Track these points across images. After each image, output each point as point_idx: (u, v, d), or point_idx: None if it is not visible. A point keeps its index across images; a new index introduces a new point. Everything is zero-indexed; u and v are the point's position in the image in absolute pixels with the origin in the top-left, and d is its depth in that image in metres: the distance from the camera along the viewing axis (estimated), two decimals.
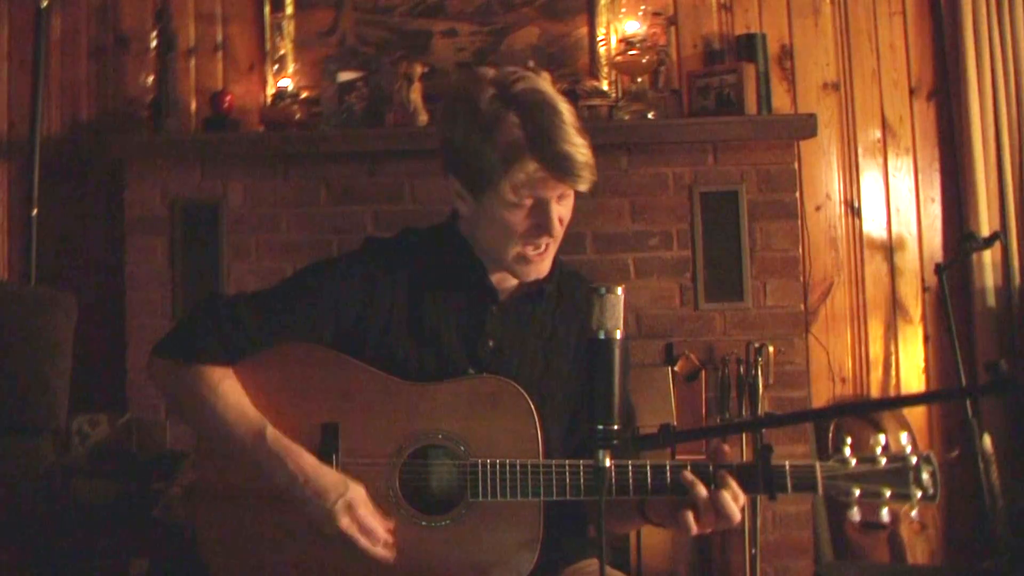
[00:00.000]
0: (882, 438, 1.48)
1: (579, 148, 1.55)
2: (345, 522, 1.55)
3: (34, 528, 2.59)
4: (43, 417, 2.69)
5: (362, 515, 1.56)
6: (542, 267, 1.66)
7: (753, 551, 3.03)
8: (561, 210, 1.61)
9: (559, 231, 1.62)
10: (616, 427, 1.32)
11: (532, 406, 1.59)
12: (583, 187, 1.59)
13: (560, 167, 1.55)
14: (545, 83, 1.62)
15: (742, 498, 1.50)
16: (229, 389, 1.62)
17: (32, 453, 2.68)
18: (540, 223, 1.59)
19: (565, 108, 1.58)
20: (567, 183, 1.57)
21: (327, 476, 1.57)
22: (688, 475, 1.51)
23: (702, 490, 1.49)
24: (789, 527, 3.14)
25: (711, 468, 1.50)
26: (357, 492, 1.57)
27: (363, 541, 1.55)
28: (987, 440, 3.02)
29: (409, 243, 1.75)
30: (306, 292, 1.66)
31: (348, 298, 1.65)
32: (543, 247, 1.63)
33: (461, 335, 1.67)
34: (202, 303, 1.69)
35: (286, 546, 1.61)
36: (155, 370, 1.68)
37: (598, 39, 3.40)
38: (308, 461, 1.58)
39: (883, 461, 1.47)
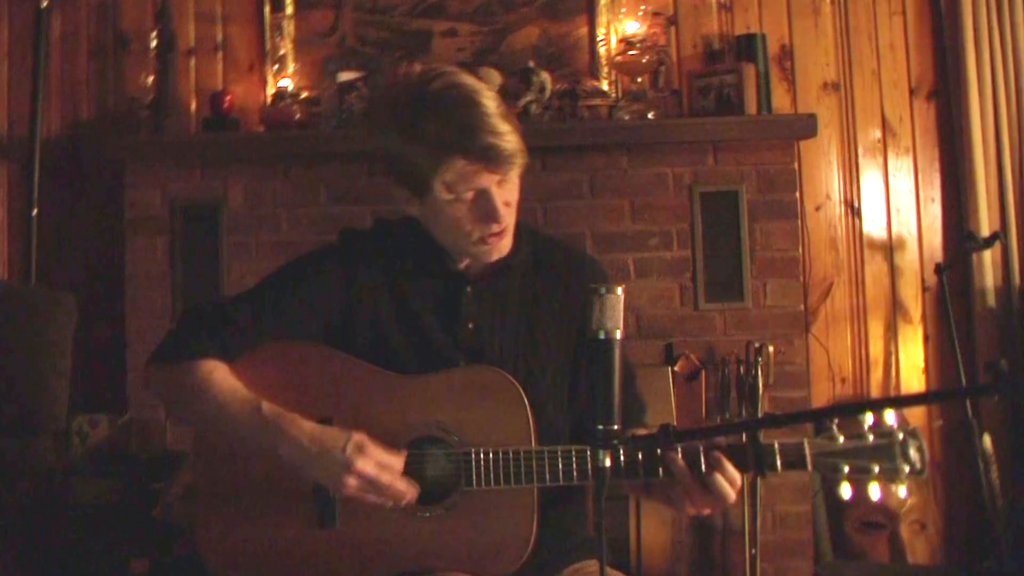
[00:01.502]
0: (869, 416, 1.51)
1: (503, 136, 1.55)
2: (361, 462, 1.53)
3: (34, 528, 2.59)
4: (43, 417, 2.69)
5: (374, 452, 1.55)
6: (503, 246, 1.67)
7: (753, 551, 3.03)
8: (505, 194, 1.62)
9: (507, 215, 1.63)
10: (616, 427, 1.32)
11: (523, 395, 1.60)
12: (516, 172, 1.60)
13: (487, 158, 1.56)
14: (464, 77, 1.61)
15: (737, 477, 1.51)
16: (221, 377, 1.63)
17: (32, 453, 2.68)
18: (485, 212, 1.60)
19: (486, 97, 1.58)
20: (499, 172, 1.58)
21: (328, 431, 1.57)
22: (679, 462, 1.51)
23: (682, 464, 1.50)
24: (789, 527, 3.14)
25: (702, 449, 1.51)
26: (361, 435, 1.56)
27: (384, 477, 1.54)
28: (987, 440, 3.02)
29: (385, 234, 1.77)
30: (290, 287, 1.68)
31: (332, 290, 1.68)
32: (496, 231, 1.64)
33: (441, 321, 1.69)
34: (188, 310, 1.71)
35: (283, 538, 1.62)
36: (151, 378, 1.70)
37: (598, 39, 3.40)
38: (306, 423, 1.58)
39: (870, 437, 1.50)
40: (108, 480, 2.82)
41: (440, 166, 1.57)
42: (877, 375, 3.42)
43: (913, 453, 1.48)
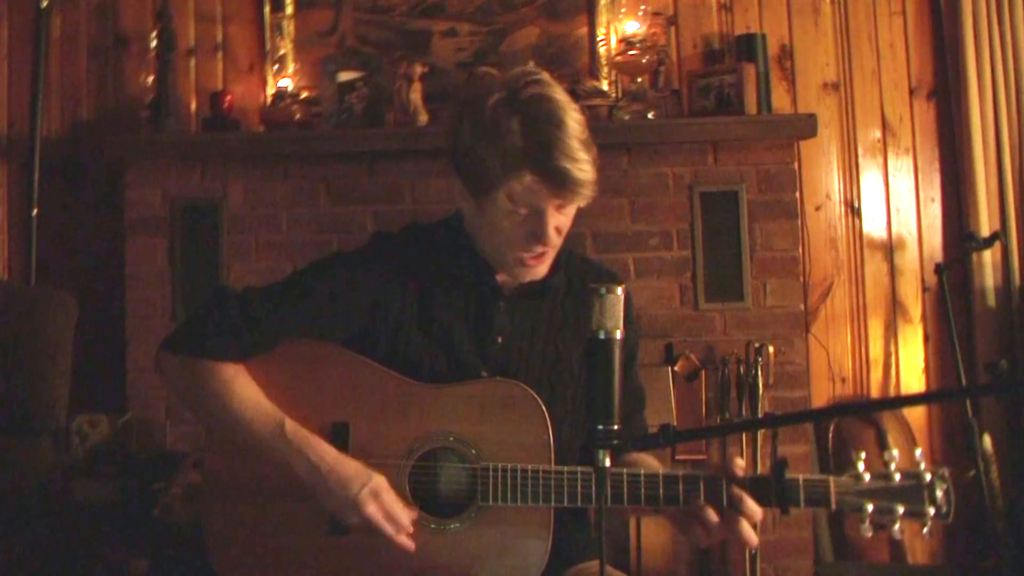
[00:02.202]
0: (895, 454, 1.48)
1: (579, 164, 1.53)
2: (371, 509, 1.53)
3: (34, 528, 2.59)
4: (43, 417, 2.69)
5: (387, 502, 1.55)
6: (538, 271, 1.66)
7: (753, 551, 3.03)
8: (560, 219, 1.60)
9: (555, 241, 1.61)
10: (616, 427, 1.31)
11: (545, 411, 1.58)
12: (580, 203, 1.58)
13: (556, 182, 1.53)
14: (556, 90, 1.59)
15: (759, 517, 1.49)
16: (243, 384, 1.61)
17: (32, 453, 2.68)
18: (535, 232, 1.58)
19: (572, 119, 1.55)
20: (563, 198, 1.56)
21: (349, 465, 1.56)
22: (700, 502, 1.49)
23: (714, 517, 1.48)
24: (789, 527, 3.14)
25: (725, 484, 1.49)
26: (380, 481, 1.56)
27: (388, 528, 1.54)
28: (987, 440, 3.02)
29: (416, 239, 1.74)
30: (317, 288, 1.65)
31: (359, 294, 1.65)
32: (539, 253, 1.62)
33: (470, 332, 1.67)
34: (212, 298, 1.67)
35: (293, 543, 1.61)
36: (164, 365, 1.66)
37: (598, 39, 3.40)
38: (329, 451, 1.57)
39: (897, 477, 1.46)
40: (108, 480, 2.82)
41: (511, 176, 1.54)
42: (877, 375, 3.42)
43: (940, 496, 1.45)
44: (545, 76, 1.61)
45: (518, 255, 1.62)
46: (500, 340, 1.68)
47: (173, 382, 1.68)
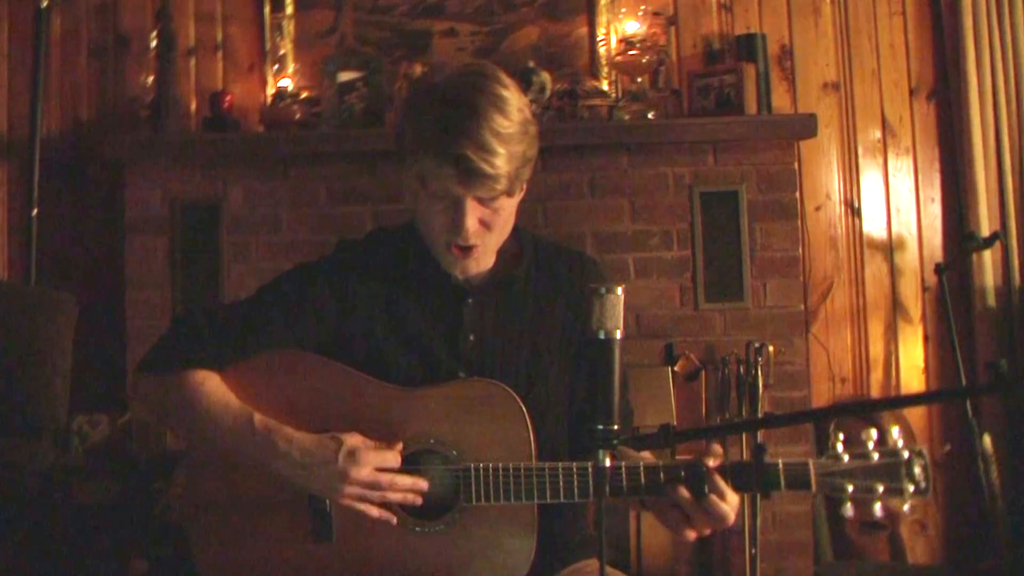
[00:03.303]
0: (874, 433, 1.49)
1: (486, 155, 1.50)
2: (355, 470, 1.52)
3: (34, 528, 2.59)
4: (43, 417, 2.69)
5: (369, 456, 1.53)
6: (468, 264, 1.63)
7: (753, 551, 3.03)
8: (484, 212, 1.57)
9: (477, 235, 1.58)
10: (616, 427, 1.31)
11: (524, 409, 1.57)
12: (481, 193, 1.54)
13: (457, 168, 1.51)
14: (499, 86, 1.56)
15: (733, 498, 1.48)
16: (212, 388, 1.60)
17: (32, 453, 2.68)
18: (453, 221, 1.56)
19: (498, 111, 1.52)
20: (468, 187, 1.53)
21: (320, 441, 1.55)
22: (673, 487, 1.48)
23: (688, 497, 1.47)
24: (789, 527, 3.14)
25: (703, 469, 1.49)
26: (351, 440, 1.55)
27: (384, 478, 1.53)
28: (987, 440, 3.02)
29: (380, 244, 1.73)
30: (283, 298, 1.66)
31: (325, 302, 1.65)
32: (464, 246, 1.60)
33: (442, 333, 1.66)
34: (180, 317, 1.70)
35: (278, 552, 1.60)
36: (140, 387, 1.68)
37: (598, 39, 3.40)
38: (298, 436, 1.56)
39: (875, 456, 1.47)
40: (108, 480, 2.82)
41: (418, 157, 1.55)
42: (877, 375, 3.42)
43: (918, 472, 1.45)
44: (493, 72, 1.59)
45: (445, 244, 1.60)
46: (472, 338, 1.66)
47: (149, 401, 1.68)
